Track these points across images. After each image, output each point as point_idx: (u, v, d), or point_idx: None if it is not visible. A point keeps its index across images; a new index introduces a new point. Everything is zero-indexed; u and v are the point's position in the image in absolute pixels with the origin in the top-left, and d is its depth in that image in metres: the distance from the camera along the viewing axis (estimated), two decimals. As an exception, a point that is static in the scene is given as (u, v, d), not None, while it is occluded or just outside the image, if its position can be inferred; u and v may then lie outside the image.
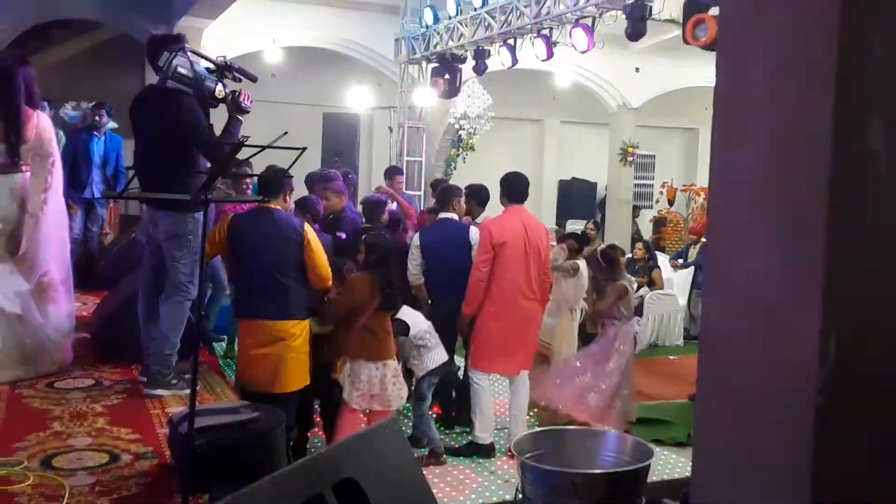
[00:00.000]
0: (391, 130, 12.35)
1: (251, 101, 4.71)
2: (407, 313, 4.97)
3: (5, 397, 4.52)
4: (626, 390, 5.39)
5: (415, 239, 5.64)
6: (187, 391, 4.77)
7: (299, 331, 4.45)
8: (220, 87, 4.57)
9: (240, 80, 4.71)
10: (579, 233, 7.36)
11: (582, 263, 5.97)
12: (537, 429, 4.90)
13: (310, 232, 4.42)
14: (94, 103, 8.73)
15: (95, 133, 8.36)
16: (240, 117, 4.65)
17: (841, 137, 1.38)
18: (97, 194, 8.47)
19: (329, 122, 13.72)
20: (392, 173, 8.48)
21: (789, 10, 1.47)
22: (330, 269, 4.54)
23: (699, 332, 1.82)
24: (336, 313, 4.65)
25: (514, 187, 5.29)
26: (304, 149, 3.24)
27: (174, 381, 4.73)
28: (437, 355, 5.04)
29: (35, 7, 11.06)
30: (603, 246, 6.11)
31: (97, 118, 8.42)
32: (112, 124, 8.65)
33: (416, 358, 4.98)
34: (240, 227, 4.45)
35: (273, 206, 4.44)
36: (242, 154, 3.49)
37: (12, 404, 4.42)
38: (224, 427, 3.33)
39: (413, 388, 5.05)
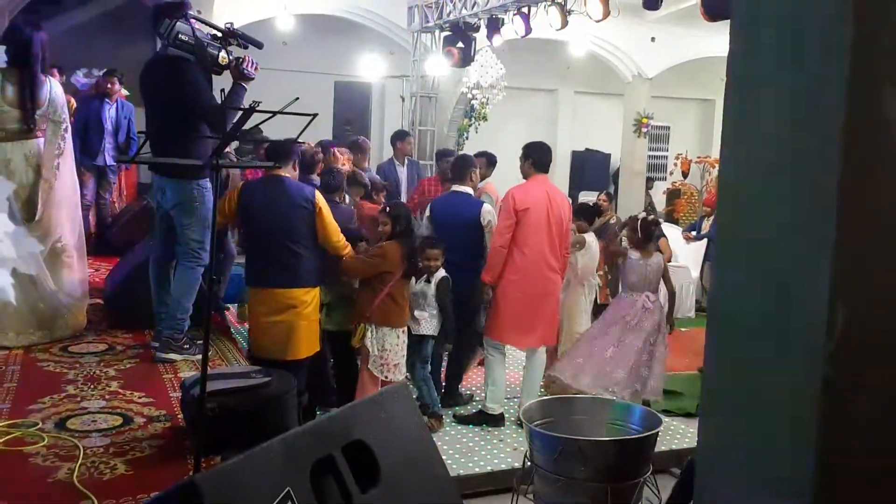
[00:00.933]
0: (403, 100, 12.30)
1: (256, 68, 4.65)
2: None
3: (20, 361, 4.57)
4: (653, 363, 5.29)
5: (427, 210, 5.67)
6: (199, 356, 4.83)
7: (310, 298, 4.52)
8: (223, 53, 4.52)
9: (246, 47, 4.67)
10: (591, 204, 7.32)
11: (590, 237, 5.93)
12: (546, 397, 4.93)
13: (320, 200, 4.47)
14: (105, 70, 8.72)
15: (107, 100, 8.36)
16: (244, 84, 4.62)
17: (854, 104, 1.36)
18: (109, 161, 8.48)
19: (340, 91, 13.68)
20: (395, 139, 8.51)
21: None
22: (342, 236, 4.57)
23: (707, 303, 1.82)
24: (364, 274, 4.75)
25: (541, 156, 5.26)
26: (314, 115, 3.24)
27: (186, 347, 4.77)
28: (438, 323, 5.13)
29: (47, -28, 11.00)
30: (644, 215, 5.99)
31: (109, 85, 8.41)
32: (124, 91, 8.65)
33: (427, 319, 5.03)
34: (250, 196, 4.48)
35: (283, 174, 4.45)
36: (253, 121, 3.48)
37: (27, 368, 4.47)
38: (236, 391, 3.37)
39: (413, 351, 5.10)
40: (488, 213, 5.47)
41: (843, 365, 1.43)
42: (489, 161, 6.24)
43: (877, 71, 1.37)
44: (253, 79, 4.66)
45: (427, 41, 11.50)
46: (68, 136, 5.11)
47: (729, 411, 1.67)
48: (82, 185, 8.55)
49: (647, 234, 5.48)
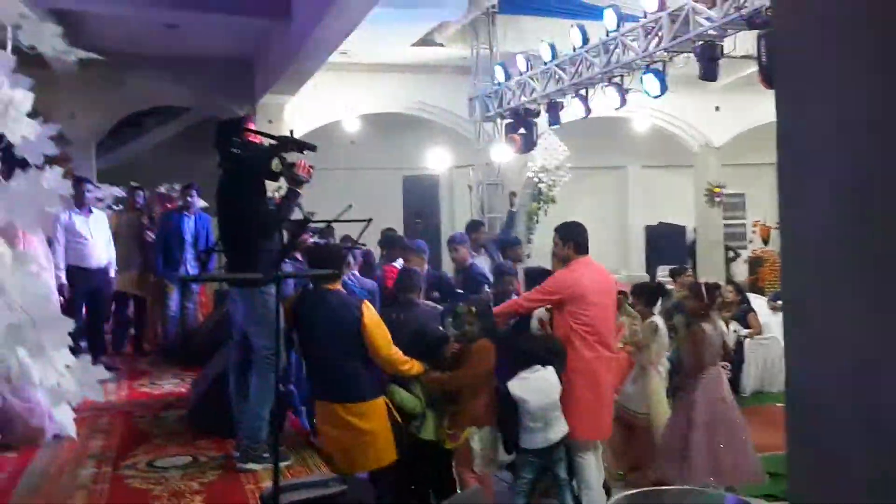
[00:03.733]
0: (471, 189, 12.45)
1: (308, 172, 4.70)
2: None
3: (108, 478, 4.65)
4: (731, 442, 5.03)
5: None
6: (281, 464, 4.82)
7: (370, 411, 4.33)
8: (275, 161, 4.66)
9: (302, 152, 4.78)
10: (655, 284, 7.06)
11: (658, 320, 5.69)
12: (634, 490, 4.69)
13: (368, 313, 4.31)
14: (184, 185, 9.12)
15: (186, 213, 8.69)
16: (298, 189, 4.73)
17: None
18: (191, 272, 8.76)
19: (409, 185, 13.97)
20: (469, 230, 8.39)
21: (848, 50, 1.40)
22: (394, 351, 4.39)
23: (785, 385, 1.71)
24: (461, 384, 4.58)
25: (581, 237, 4.87)
26: (369, 220, 3.27)
27: (265, 455, 4.77)
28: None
29: (129, 97, 11.75)
30: (704, 279, 5.78)
31: (188, 198, 8.77)
32: (201, 203, 9.00)
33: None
34: (301, 308, 4.46)
35: (331, 288, 4.40)
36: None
37: (115, 486, 4.53)
38: (314, 502, 3.33)
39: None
40: None
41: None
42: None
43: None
44: (305, 182, 4.72)
45: (490, 129, 11.70)
46: None
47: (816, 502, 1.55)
48: (166, 296, 8.89)
49: (713, 299, 5.32)
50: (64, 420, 1.21)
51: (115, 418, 6.17)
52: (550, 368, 4.55)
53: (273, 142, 4.77)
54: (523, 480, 4.67)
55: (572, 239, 4.83)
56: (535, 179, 12.50)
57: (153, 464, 4.93)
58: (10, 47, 1.35)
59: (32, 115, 1.41)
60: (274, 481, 2.90)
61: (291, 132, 4.91)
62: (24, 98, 1.41)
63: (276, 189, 6.27)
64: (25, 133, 1.43)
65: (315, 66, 9.74)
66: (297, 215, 4.59)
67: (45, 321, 1.26)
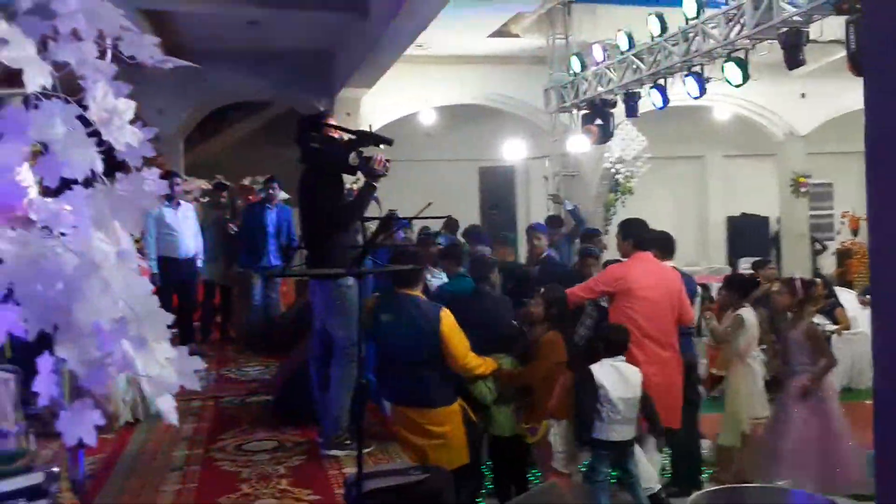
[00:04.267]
0: (546, 180, 12.41)
1: (384, 166, 4.74)
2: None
3: (200, 460, 4.87)
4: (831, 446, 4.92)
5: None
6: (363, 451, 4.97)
7: (444, 417, 4.32)
8: (353, 155, 4.74)
9: (379, 146, 4.85)
10: (746, 276, 6.91)
11: (747, 312, 5.57)
12: (714, 487, 4.64)
13: (446, 320, 4.25)
14: (266, 177, 9.39)
15: (268, 205, 8.95)
16: (374, 183, 4.81)
17: None
18: (273, 262, 9.01)
19: (485, 176, 14.01)
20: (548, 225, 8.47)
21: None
22: (472, 358, 4.36)
23: (873, 381, 1.69)
24: (534, 378, 4.58)
25: (641, 233, 4.97)
26: (448, 217, 3.33)
27: (348, 442, 4.91)
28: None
29: (214, 93, 12.12)
30: (799, 275, 5.64)
31: (269, 191, 9.02)
32: (283, 195, 9.25)
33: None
34: (379, 311, 4.46)
35: (410, 293, 4.39)
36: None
37: (206, 467, 4.75)
38: (392, 489, 3.42)
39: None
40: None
41: None
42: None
43: None
44: (382, 175, 4.78)
45: (566, 120, 11.62)
46: None
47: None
48: (251, 286, 9.19)
49: (809, 296, 5.20)
50: (166, 408, 1.30)
51: (205, 402, 6.44)
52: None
53: (351, 136, 4.88)
54: (601, 475, 4.59)
55: (632, 235, 4.93)
56: (613, 170, 12.38)
57: (241, 447, 5.14)
58: (109, 56, 1.45)
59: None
60: (358, 467, 3.00)
61: (370, 127, 5.02)
62: (126, 107, 1.51)
63: (353, 182, 6.40)
64: (129, 140, 1.53)
65: (391, 59, 9.85)
66: (373, 209, 4.67)
67: (147, 316, 1.37)
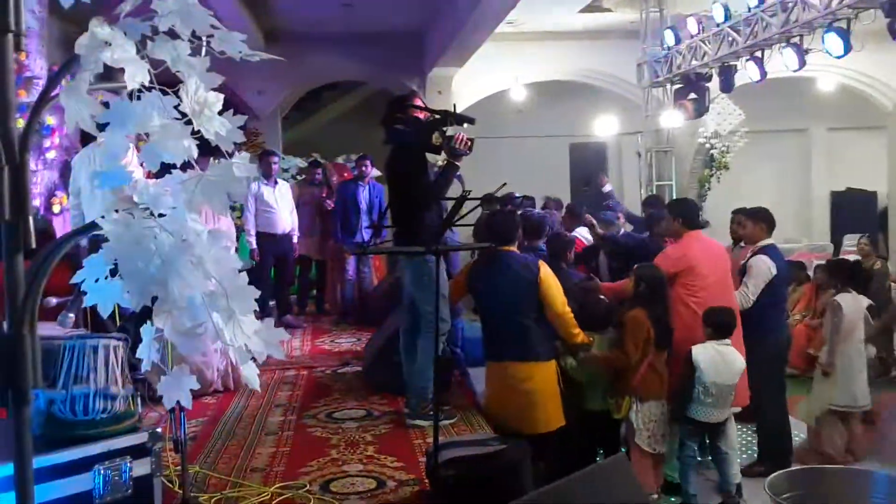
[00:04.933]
0: (639, 156, 12.23)
1: (466, 145, 4.80)
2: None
3: (293, 426, 5.14)
4: None
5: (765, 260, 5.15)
6: (446, 422, 5.13)
7: (544, 371, 4.46)
8: (435, 135, 4.84)
9: (462, 125, 4.93)
10: (850, 261, 6.61)
11: (845, 298, 5.40)
12: (795, 467, 4.58)
13: (545, 273, 4.44)
14: (359, 155, 9.63)
15: (361, 182, 9.18)
16: (456, 162, 4.90)
17: None
18: (366, 238, 9.26)
19: (576, 152, 13.90)
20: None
21: None
22: (568, 311, 4.46)
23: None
24: (620, 351, 4.59)
25: (690, 213, 5.07)
26: (523, 197, 3.40)
27: (432, 413, 5.07)
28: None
29: (310, 74, 12.46)
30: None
31: (362, 168, 9.25)
32: (375, 172, 9.47)
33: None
34: (476, 273, 4.66)
35: (507, 249, 4.54)
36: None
37: (299, 433, 5.01)
38: (470, 459, 3.55)
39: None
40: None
41: None
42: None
43: None
44: (465, 155, 4.86)
45: (659, 95, 11.41)
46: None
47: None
48: (345, 260, 9.49)
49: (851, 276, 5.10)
50: (250, 375, 1.42)
51: (299, 372, 6.75)
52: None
53: (435, 116, 4.99)
54: (689, 451, 4.66)
55: (680, 214, 5.02)
56: (707, 146, 12.10)
57: (332, 415, 5.39)
58: (204, 51, 1.60)
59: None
60: (434, 437, 3.14)
61: (454, 106, 5.11)
62: (216, 99, 1.67)
63: (441, 161, 6.52)
64: (217, 129, 1.68)
65: (482, 37, 9.90)
66: (456, 188, 4.77)
67: (236, 291, 1.52)
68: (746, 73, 8.75)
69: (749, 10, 8.31)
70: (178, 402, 1.74)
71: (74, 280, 1.64)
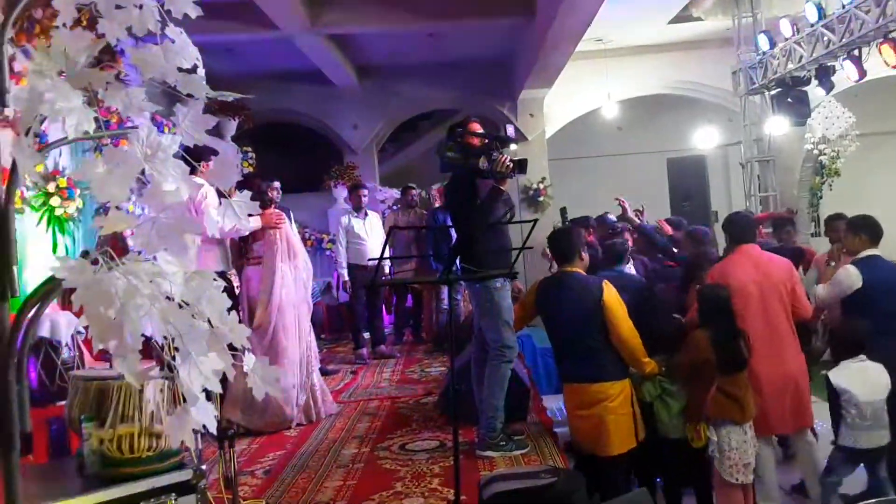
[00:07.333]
0: (742, 166, 11.71)
1: (508, 168, 4.79)
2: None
3: (365, 458, 5.15)
4: None
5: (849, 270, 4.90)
6: (517, 452, 5.01)
7: (617, 392, 4.32)
8: (482, 160, 4.81)
9: (508, 147, 4.89)
10: None
11: None
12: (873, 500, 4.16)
13: (608, 292, 4.29)
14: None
15: (449, 210, 9.20)
16: (499, 186, 4.84)
17: None
18: (457, 265, 9.24)
19: (673, 167, 13.46)
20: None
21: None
22: (636, 340, 4.32)
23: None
24: (679, 374, 4.40)
25: (736, 229, 4.84)
26: (577, 219, 3.29)
27: (503, 443, 4.97)
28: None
29: (402, 106, 12.68)
30: None
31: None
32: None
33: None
34: (543, 295, 4.58)
35: (572, 270, 4.48)
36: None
37: (369, 465, 5.01)
38: (517, 492, 3.43)
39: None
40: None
41: None
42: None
43: None
44: (509, 178, 4.85)
45: (757, 102, 10.90)
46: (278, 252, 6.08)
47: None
48: (439, 288, 9.49)
49: None
50: (199, 416, 1.41)
51: (383, 402, 6.78)
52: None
53: (485, 141, 4.97)
54: (835, 480, 4.44)
55: (727, 231, 4.89)
56: (816, 152, 11.43)
57: (405, 447, 5.36)
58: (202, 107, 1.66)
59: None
60: (454, 465, 3.04)
61: (504, 129, 5.07)
62: (170, 142, 1.69)
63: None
64: (171, 172, 1.70)
65: (563, 56, 9.77)
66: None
67: (189, 332, 1.55)
68: (844, 72, 8.22)
69: (843, 6, 7.83)
70: (226, 440, 1.74)
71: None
